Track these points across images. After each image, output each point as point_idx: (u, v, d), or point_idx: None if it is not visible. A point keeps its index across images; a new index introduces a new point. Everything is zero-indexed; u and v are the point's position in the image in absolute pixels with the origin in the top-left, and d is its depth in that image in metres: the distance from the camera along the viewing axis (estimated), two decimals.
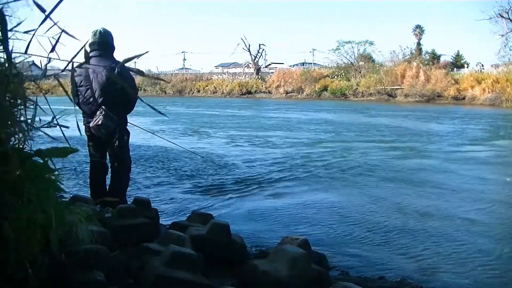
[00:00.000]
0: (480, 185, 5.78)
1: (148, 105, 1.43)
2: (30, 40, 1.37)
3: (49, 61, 1.41)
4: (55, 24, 1.30)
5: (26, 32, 1.38)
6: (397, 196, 5.13)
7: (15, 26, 1.37)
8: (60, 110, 1.65)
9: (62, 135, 1.54)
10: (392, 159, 7.78)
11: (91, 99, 3.61)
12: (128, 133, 3.84)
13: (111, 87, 3.53)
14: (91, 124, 3.58)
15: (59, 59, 1.38)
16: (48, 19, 1.29)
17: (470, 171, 6.77)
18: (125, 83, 3.30)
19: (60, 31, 1.32)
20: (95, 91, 3.59)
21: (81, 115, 3.73)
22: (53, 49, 1.33)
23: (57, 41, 1.31)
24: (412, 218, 4.27)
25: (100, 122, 3.54)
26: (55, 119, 1.51)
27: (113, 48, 3.73)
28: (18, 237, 1.32)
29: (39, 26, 1.34)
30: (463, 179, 6.16)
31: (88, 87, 3.61)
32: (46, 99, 1.47)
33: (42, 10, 1.26)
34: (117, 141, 3.71)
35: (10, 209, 1.34)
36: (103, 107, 3.56)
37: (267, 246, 3.27)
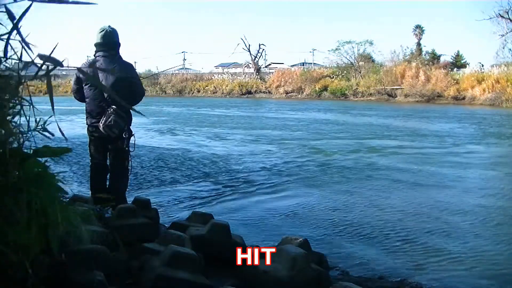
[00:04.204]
0: (477, 183, 5.78)
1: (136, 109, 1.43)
2: (6, 44, 1.35)
3: (25, 64, 1.39)
4: (18, 33, 1.27)
5: (0, 35, 1.36)
6: (397, 196, 5.13)
7: None
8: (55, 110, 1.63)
9: (60, 134, 1.53)
10: (392, 160, 7.78)
11: (98, 99, 3.60)
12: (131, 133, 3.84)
13: (121, 86, 3.55)
14: (101, 124, 3.56)
15: (34, 63, 1.35)
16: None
17: (467, 171, 6.77)
18: (122, 101, 3.34)
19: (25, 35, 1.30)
20: (104, 92, 3.58)
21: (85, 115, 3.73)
22: (22, 53, 1.29)
23: (23, 48, 1.27)
24: (411, 218, 4.27)
25: (112, 122, 3.53)
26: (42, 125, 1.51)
27: (119, 46, 3.72)
28: (18, 237, 1.32)
29: (10, 32, 1.32)
30: (461, 179, 6.17)
31: (95, 87, 3.60)
32: (31, 99, 1.46)
33: (12, 18, 1.24)
34: (126, 141, 3.71)
35: (10, 209, 1.34)
36: (113, 106, 3.55)
37: (267, 246, 3.26)
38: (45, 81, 1.33)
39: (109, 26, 3.67)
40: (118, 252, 2.14)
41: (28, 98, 1.43)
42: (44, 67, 1.31)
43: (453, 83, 30.79)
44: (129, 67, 3.81)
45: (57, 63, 1.29)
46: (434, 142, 10.14)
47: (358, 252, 3.39)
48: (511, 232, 3.93)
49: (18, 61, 1.38)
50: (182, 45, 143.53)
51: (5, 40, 1.32)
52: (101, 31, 3.62)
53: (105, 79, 3.58)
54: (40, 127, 1.48)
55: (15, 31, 1.28)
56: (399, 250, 3.44)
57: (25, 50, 1.28)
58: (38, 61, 1.31)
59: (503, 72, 28.52)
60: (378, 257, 3.29)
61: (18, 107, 1.43)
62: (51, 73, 1.32)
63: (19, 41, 1.28)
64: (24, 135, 1.45)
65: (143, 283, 2.02)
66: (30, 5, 1.26)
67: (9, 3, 1.26)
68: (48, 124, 1.51)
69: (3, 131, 1.37)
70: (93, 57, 3.70)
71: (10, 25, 1.33)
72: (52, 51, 1.32)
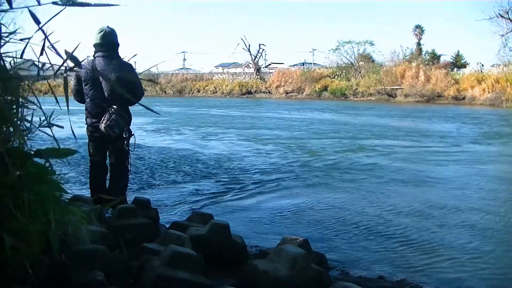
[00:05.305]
0: (479, 183, 5.78)
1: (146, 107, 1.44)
2: (25, 47, 1.39)
3: (43, 65, 1.41)
4: (46, 37, 1.30)
5: (21, 39, 1.40)
6: (395, 196, 5.13)
7: (11, 33, 1.39)
8: (57, 111, 1.64)
9: (61, 134, 1.53)
10: (391, 159, 7.78)
11: (98, 99, 3.60)
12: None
13: (121, 86, 3.54)
14: (102, 125, 3.55)
15: (50, 63, 1.38)
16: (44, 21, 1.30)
17: (464, 170, 6.77)
18: (126, 92, 3.36)
19: (49, 38, 1.33)
20: (105, 92, 3.58)
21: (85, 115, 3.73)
22: (41, 53, 1.34)
23: (42, 49, 1.32)
24: (411, 217, 4.27)
25: (113, 122, 3.53)
26: (47, 119, 1.52)
27: (118, 46, 3.72)
28: (17, 239, 1.32)
29: (31, 36, 1.36)
30: (458, 177, 6.17)
31: (95, 87, 3.60)
32: (37, 99, 1.47)
33: (37, 21, 1.27)
34: (126, 141, 3.72)
35: (10, 209, 1.34)
36: (114, 106, 3.55)
37: (267, 246, 3.27)
38: (54, 80, 1.35)
39: (108, 27, 3.67)
40: (118, 252, 2.14)
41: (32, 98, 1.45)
42: (59, 66, 1.33)
43: (453, 83, 30.78)
44: (129, 68, 3.82)
45: (77, 62, 1.32)
46: (434, 142, 10.15)
47: (358, 252, 3.39)
48: (509, 231, 3.93)
49: (37, 61, 1.40)
50: (182, 45, 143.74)
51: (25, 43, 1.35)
52: (100, 32, 3.62)
53: (105, 80, 3.58)
54: (44, 124, 1.49)
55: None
56: (399, 250, 3.44)
57: (55, 51, 1.31)
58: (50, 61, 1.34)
59: (502, 72, 28.50)
60: (378, 257, 3.29)
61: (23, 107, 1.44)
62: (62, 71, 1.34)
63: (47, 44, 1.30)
64: (26, 135, 1.46)
65: (143, 283, 2.02)
66: (60, 11, 1.29)
67: (33, 6, 1.28)
68: (52, 120, 1.52)
69: (11, 129, 1.38)
70: (92, 58, 3.71)
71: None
72: (75, 49, 1.35)
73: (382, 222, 4.14)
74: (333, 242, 3.61)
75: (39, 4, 1.30)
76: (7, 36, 1.37)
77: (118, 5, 1.30)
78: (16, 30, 1.39)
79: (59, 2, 1.28)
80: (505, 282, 2.96)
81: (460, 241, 3.63)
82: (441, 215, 4.34)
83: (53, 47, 1.29)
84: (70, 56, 1.31)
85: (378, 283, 2.81)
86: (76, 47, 1.36)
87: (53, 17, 1.30)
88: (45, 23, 1.29)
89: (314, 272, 2.27)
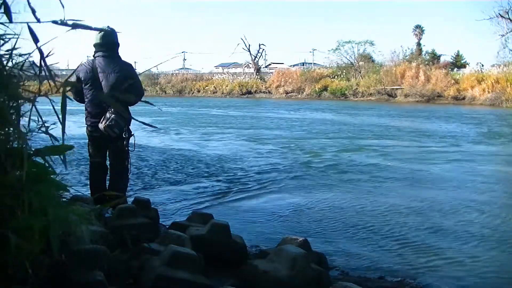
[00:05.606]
0: (479, 183, 5.79)
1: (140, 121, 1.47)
2: (23, 63, 1.45)
3: (42, 80, 1.44)
4: (43, 57, 1.32)
5: (21, 55, 1.45)
6: (395, 196, 5.13)
7: (12, 49, 1.42)
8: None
9: (61, 134, 1.53)
10: (390, 159, 7.79)
11: (98, 99, 3.60)
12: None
13: (121, 86, 3.54)
14: (102, 125, 3.55)
15: (53, 80, 1.40)
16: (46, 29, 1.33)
17: (467, 170, 6.77)
18: (129, 93, 3.38)
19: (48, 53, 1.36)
20: (105, 92, 3.58)
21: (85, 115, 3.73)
22: (40, 71, 1.36)
23: (41, 64, 1.34)
24: (410, 217, 4.27)
25: (113, 122, 3.53)
26: (44, 126, 1.53)
27: (118, 46, 3.72)
28: (18, 238, 1.32)
29: (31, 52, 1.41)
30: (459, 178, 6.17)
31: (95, 88, 3.60)
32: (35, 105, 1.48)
33: (36, 40, 1.30)
34: (126, 141, 3.71)
35: (10, 210, 1.34)
36: None
37: (267, 246, 3.27)
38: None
39: (108, 27, 3.67)
40: (118, 251, 2.14)
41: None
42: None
43: (453, 83, 30.78)
44: (129, 67, 3.82)
45: (73, 85, 1.36)
46: (434, 142, 10.15)
47: (358, 252, 3.39)
48: (508, 232, 3.93)
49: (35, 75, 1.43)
50: (182, 45, 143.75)
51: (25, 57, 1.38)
52: (100, 32, 3.62)
53: (105, 79, 3.59)
54: (43, 127, 1.49)
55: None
56: (398, 250, 3.44)
57: (45, 70, 1.33)
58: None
59: (502, 72, 28.50)
60: (378, 257, 3.29)
61: (24, 108, 1.45)
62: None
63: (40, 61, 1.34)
64: (26, 135, 1.46)
65: (143, 283, 2.02)
66: (63, 33, 1.31)
67: (32, 23, 1.30)
68: (51, 128, 1.52)
69: (10, 130, 1.38)
70: (93, 58, 3.71)
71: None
72: (71, 75, 1.37)
73: (382, 222, 4.14)
74: (333, 242, 3.61)
75: (38, 21, 1.32)
76: (9, 51, 1.40)
77: (119, 32, 1.35)
78: (15, 48, 1.41)
79: (59, 22, 1.30)
80: (506, 283, 2.96)
81: (460, 241, 3.63)
82: (441, 215, 4.34)
83: (48, 70, 1.31)
84: (66, 82, 1.34)
85: (378, 283, 2.81)
86: (73, 72, 1.39)
87: (52, 39, 1.33)
88: (44, 44, 1.31)
89: (314, 272, 2.27)
